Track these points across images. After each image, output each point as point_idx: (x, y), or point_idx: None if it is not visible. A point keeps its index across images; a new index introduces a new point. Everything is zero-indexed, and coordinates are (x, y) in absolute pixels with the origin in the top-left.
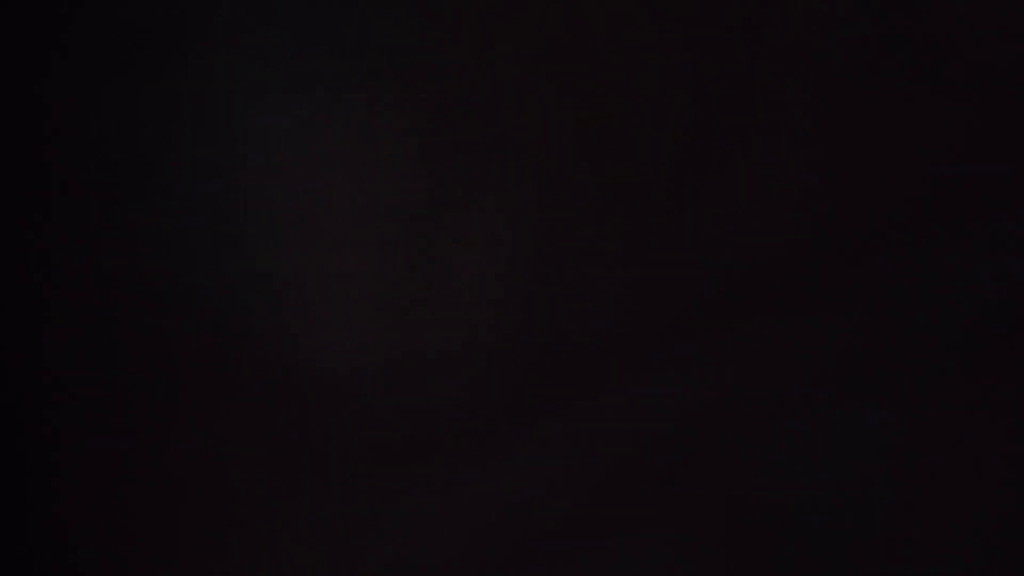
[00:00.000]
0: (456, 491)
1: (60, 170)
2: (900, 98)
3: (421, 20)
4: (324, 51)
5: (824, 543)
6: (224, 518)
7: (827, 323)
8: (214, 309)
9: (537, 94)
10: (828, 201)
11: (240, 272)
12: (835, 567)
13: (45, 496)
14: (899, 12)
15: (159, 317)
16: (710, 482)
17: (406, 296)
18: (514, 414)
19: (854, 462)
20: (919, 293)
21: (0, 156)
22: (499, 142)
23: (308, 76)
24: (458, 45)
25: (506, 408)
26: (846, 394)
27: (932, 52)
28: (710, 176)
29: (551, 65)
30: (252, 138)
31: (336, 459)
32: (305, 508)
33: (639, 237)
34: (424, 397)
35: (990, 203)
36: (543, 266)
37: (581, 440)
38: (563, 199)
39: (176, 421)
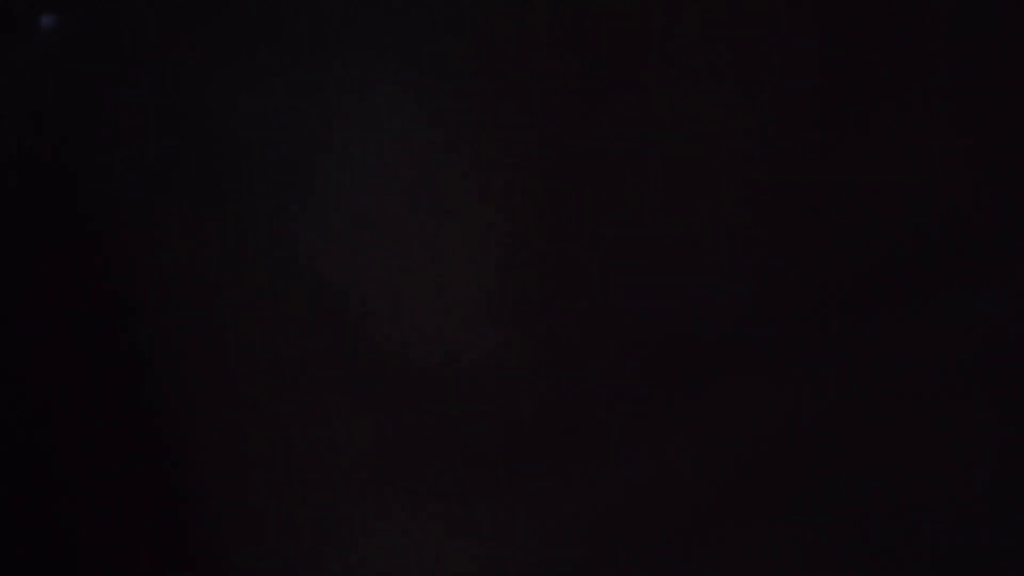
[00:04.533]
0: (565, 489)
1: (190, 164)
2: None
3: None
4: (435, 44)
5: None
6: (330, 511)
7: (948, 321)
8: (327, 305)
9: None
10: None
11: (353, 268)
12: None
13: (169, 490)
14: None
15: (270, 312)
16: (828, 478)
17: (518, 293)
18: (624, 412)
19: (974, 463)
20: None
21: (138, 155)
22: (612, 138)
23: (425, 74)
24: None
25: (616, 406)
26: (967, 392)
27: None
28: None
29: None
30: (369, 137)
31: (444, 454)
32: (411, 503)
33: (761, 231)
34: (540, 392)
35: None
36: (658, 263)
37: (698, 436)
38: (679, 193)
39: (286, 415)
